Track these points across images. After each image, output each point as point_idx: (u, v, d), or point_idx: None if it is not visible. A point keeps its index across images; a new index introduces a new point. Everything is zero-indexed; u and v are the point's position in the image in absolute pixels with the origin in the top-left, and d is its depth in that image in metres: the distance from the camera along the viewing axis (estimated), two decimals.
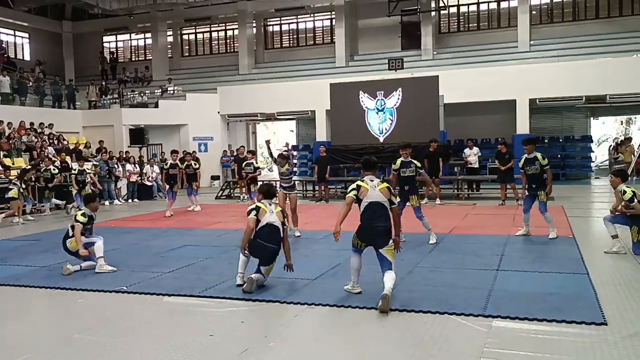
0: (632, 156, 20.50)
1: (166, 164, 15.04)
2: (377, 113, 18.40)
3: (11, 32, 29.59)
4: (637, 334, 4.70)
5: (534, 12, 25.26)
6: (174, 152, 15.28)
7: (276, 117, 25.43)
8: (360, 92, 18.59)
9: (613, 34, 23.38)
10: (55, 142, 20.53)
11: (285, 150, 13.64)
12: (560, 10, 25.52)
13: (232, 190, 19.46)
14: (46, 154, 17.95)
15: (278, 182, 10.46)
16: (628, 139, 22.23)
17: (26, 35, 30.33)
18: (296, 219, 10.25)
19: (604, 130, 28.24)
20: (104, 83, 27.54)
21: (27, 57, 30.09)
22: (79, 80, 28.16)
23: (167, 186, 14.52)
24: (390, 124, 18.20)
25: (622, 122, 28.64)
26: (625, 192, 7.72)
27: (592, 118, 24.64)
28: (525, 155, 9.36)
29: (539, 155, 9.24)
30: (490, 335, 4.75)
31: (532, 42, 24.21)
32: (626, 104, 21.67)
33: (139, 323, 5.46)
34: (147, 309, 5.92)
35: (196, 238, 10.39)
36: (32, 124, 20.51)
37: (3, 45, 28.53)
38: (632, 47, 21.71)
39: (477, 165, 17.58)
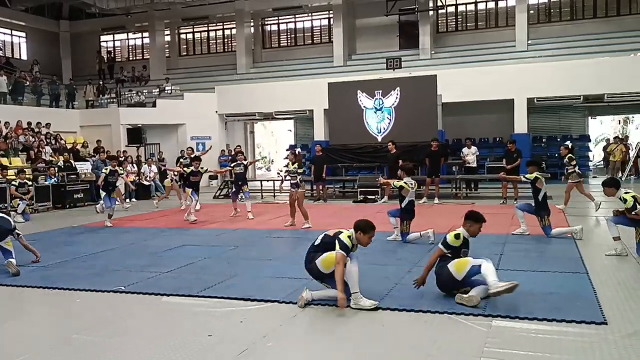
0: (628, 155, 20.47)
1: (187, 168, 13.44)
2: (375, 112, 18.39)
3: (8, 31, 29.52)
4: (637, 333, 4.69)
5: (531, 12, 25.28)
6: (195, 159, 14.06)
7: (274, 117, 25.40)
8: (358, 91, 18.58)
9: (611, 34, 23.40)
10: (53, 141, 20.48)
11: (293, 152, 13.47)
12: (558, 9, 25.54)
13: (230, 190, 19.41)
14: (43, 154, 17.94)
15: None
16: (620, 139, 22.14)
17: (23, 34, 30.27)
18: (305, 213, 11.15)
19: (602, 130, 28.27)
20: (101, 82, 27.48)
21: (24, 57, 30.03)
22: (76, 80, 28.07)
23: (189, 190, 13.04)
24: (389, 123, 18.19)
25: (619, 121, 28.68)
26: (626, 200, 7.36)
27: (589, 117, 24.70)
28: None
29: (538, 175, 9.34)
30: (490, 335, 4.73)
31: (529, 42, 24.22)
32: (624, 103, 21.69)
33: (137, 323, 5.44)
34: (146, 309, 5.90)
35: (194, 238, 10.36)
36: (29, 123, 20.47)
37: None
38: (630, 46, 21.74)
39: (475, 165, 17.60)
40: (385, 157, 16.11)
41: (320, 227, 10.94)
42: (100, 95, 25.67)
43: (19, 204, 13.94)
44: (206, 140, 24.50)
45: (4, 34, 29.36)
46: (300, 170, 11.41)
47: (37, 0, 27.96)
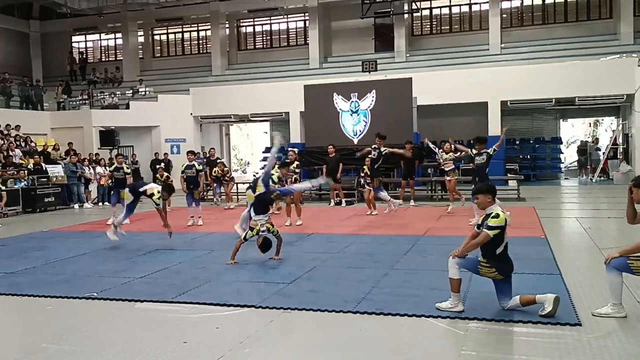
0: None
1: (182, 166, 12.83)
2: (351, 115, 18.40)
3: None
4: (610, 334, 4.75)
5: (504, 16, 25.58)
6: (190, 152, 13.21)
7: (250, 119, 25.27)
8: (334, 93, 18.57)
9: (581, 38, 23.84)
10: (23, 144, 20.05)
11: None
12: (530, 14, 25.92)
13: (205, 193, 19.24)
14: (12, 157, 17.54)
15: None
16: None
17: None
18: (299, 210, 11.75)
19: (573, 132, 28.77)
20: (69, 81, 26.94)
21: None
22: (47, 81, 27.57)
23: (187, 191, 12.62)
24: (364, 125, 18.21)
25: (590, 124, 29.22)
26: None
27: (561, 120, 25.12)
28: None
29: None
30: (467, 338, 4.75)
31: (503, 45, 24.52)
32: (594, 106, 22.12)
33: (109, 330, 5.32)
34: (118, 315, 5.77)
35: (168, 242, 10.18)
36: None
37: None
38: (600, 50, 22.15)
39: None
40: (324, 160, 16.26)
41: (297, 230, 10.90)
42: (67, 96, 25.13)
43: None
44: (181, 143, 24.27)
45: None
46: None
47: None
